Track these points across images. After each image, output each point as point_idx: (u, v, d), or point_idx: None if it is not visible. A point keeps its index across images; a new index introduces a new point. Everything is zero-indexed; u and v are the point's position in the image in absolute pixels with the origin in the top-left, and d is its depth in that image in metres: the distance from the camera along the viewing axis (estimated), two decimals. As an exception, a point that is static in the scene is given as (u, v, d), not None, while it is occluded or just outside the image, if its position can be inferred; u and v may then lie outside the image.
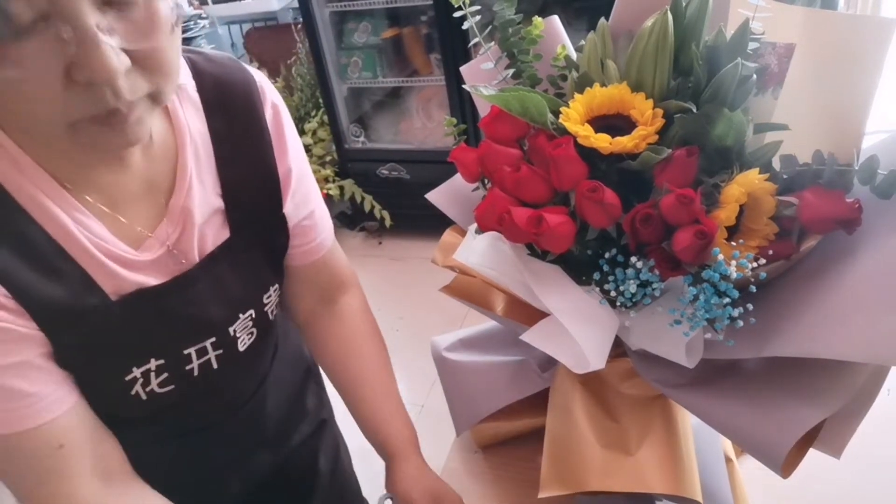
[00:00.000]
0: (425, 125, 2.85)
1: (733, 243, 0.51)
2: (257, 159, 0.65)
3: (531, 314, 0.62)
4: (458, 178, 0.69)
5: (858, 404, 0.56)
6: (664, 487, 0.62)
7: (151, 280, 0.59)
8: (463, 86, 0.63)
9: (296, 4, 2.71)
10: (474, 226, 0.62)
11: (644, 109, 0.54)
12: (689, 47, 0.55)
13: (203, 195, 0.62)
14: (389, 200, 2.90)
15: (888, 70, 0.51)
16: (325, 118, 2.92)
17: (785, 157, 0.52)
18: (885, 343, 0.45)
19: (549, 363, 0.79)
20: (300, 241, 0.73)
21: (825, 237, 0.53)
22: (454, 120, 0.69)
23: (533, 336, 0.58)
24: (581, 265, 0.57)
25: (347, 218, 3.11)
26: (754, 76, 0.52)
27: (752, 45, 0.53)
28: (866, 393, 0.55)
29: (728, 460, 0.73)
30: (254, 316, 0.69)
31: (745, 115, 0.51)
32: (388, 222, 2.90)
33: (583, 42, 0.62)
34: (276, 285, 0.72)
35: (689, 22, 0.55)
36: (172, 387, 0.64)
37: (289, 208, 0.70)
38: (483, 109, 0.68)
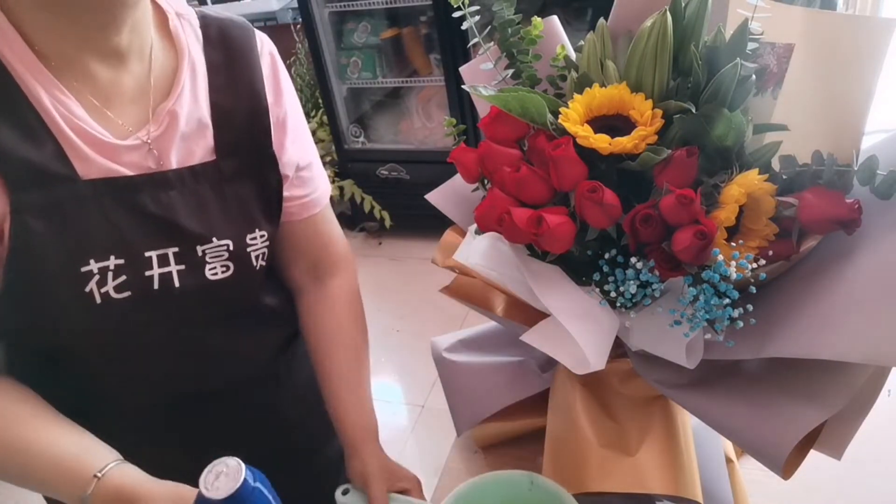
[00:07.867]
0: (425, 125, 2.85)
1: (733, 244, 0.51)
2: (249, 94, 0.69)
3: (531, 315, 0.62)
4: (457, 178, 0.69)
5: (859, 405, 0.56)
6: (664, 488, 0.62)
7: (124, 171, 0.61)
8: (462, 86, 0.63)
9: (295, 4, 2.71)
10: (474, 226, 0.62)
11: (643, 110, 0.54)
12: (688, 48, 0.55)
13: (193, 106, 0.65)
14: (389, 201, 2.90)
15: (887, 70, 0.50)
16: (325, 119, 2.93)
17: (784, 158, 0.52)
18: (885, 343, 0.45)
19: (549, 363, 0.79)
20: (300, 193, 0.76)
21: (825, 237, 0.53)
22: (454, 120, 0.69)
23: (533, 336, 0.58)
24: (581, 266, 0.57)
25: (347, 218, 3.10)
26: (753, 76, 0.52)
27: (751, 46, 0.53)
28: (867, 394, 0.55)
29: (728, 461, 0.72)
30: (231, 248, 0.68)
31: (744, 115, 0.51)
32: (387, 223, 2.90)
33: (582, 42, 0.61)
34: (266, 233, 0.72)
35: (688, 22, 0.55)
36: (129, 293, 0.63)
37: (288, 154, 0.72)
38: (483, 110, 0.68)
